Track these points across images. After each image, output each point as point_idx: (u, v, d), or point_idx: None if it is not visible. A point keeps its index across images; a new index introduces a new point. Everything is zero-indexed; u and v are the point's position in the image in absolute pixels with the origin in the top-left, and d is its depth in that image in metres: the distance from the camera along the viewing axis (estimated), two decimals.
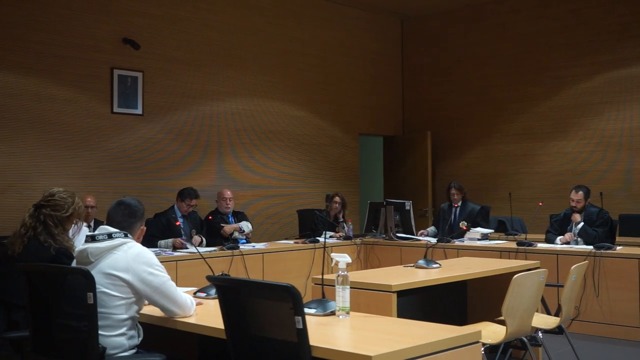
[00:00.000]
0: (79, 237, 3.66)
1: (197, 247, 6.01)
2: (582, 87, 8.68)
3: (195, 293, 3.48)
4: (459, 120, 9.85)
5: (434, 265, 4.60)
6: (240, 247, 6.48)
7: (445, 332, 2.64)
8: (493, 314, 4.20)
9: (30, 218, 3.45)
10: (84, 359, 2.70)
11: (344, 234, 7.56)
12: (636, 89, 8.24)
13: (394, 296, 3.80)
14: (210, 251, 6.16)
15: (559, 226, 6.76)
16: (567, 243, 6.52)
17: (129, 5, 7.44)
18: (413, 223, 7.43)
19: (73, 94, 7.02)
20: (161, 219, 6.42)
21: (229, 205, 6.99)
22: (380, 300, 3.81)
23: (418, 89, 10.34)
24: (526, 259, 5.91)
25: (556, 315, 4.47)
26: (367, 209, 7.94)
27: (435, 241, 6.82)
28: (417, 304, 4.38)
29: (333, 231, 7.65)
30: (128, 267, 2.80)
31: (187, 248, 6.13)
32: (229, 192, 7.05)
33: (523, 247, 6.33)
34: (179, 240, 6.20)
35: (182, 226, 6.33)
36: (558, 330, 4.31)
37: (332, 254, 3.12)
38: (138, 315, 2.90)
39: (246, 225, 7.02)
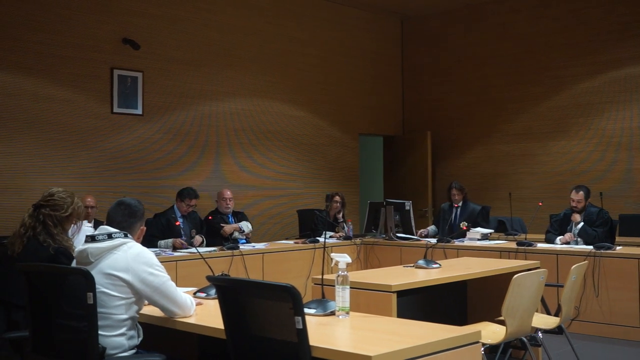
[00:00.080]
0: (79, 236, 3.66)
1: (197, 247, 6.01)
2: (582, 87, 8.68)
3: (195, 293, 3.48)
4: (459, 120, 9.85)
5: (434, 265, 4.60)
6: (240, 247, 6.48)
7: (445, 332, 2.63)
8: (493, 314, 4.20)
9: (30, 218, 3.46)
10: (83, 359, 2.70)
11: (344, 234, 7.57)
12: (636, 89, 8.24)
13: (394, 296, 3.79)
14: (210, 251, 6.16)
15: (558, 226, 6.76)
16: (567, 243, 6.51)
17: (128, 5, 7.44)
18: (413, 223, 7.43)
19: (73, 94, 7.02)
20: (161, 219, 6.42)
21: (229, 205, 6.99)
22: (380, 300, 3.81)
23: (418, 89, 10.34)
24: (526, 259, 5.91)
25: (556, 315, 4.47)
26: (367, 209, 7.94)
27: (435, 241, 6.82)
28: (417, 304, 4.38)
29: (333, 231, 7.66)
30: (128, 267, 2.80)
31: (187, 248, 6.12)
32: (229, 192, 7.05)
33: (523, 247, 6.33)
34: (178, 240, 6.19)
35: (182, 226, 6.33)
36: (558, 330, 4.31)
37: (332, 254, 3.12)
38: (138, 316, 2.90)
39: (246, 226, 7.01)
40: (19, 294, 3.08)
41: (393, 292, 3.80)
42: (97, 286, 2.70)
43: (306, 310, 2.67)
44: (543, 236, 6.88)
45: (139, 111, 7.48)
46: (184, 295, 2.98)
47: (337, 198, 7.75)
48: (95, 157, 7.16)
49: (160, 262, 2.93)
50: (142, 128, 7.52)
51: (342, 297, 2.92)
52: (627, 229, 7.35)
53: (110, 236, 2.86)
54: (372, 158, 10.91)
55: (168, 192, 7.33)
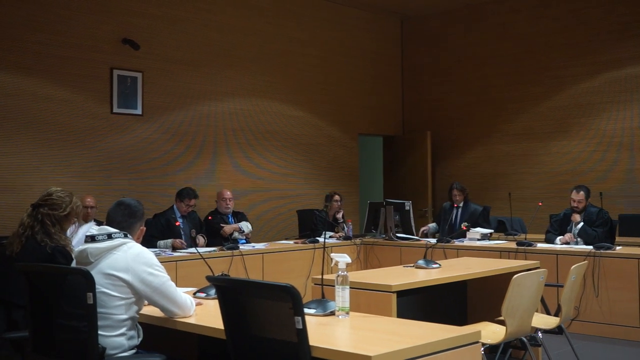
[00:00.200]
0: (78, 236, 3.66)
1: (197, 248, 6.01)
2: (582, 87, 8.68)
3: (195, 293, 3.48)
4: (459, 120, 9.85)
5: (434, 265, 4.60)
6: (240, 247, 6.48)
7: (445, 332, 2.63)
8: (493, 314, 4.19)
9: (29, 218, 3.46)
10: (83, 359, 2.70)
11: (344, 234, 7.57)
12: (636, 89, 8.24)
13: (394, 296, 3.79)
14: (210, 251, 6.16)
15: (558, 226, 6.76)
16: (567, 243, 6.51)
17: (128, 6, 7.44)
18: (413, 223, 7.43)
19: (72, 94, 7.02)
20: (160, 220, 6.42)
21: (229, 206, 6.99)
22: (380, 300, 3.81)
23: (418, 89, 10.34)
24: (526, 259, 5.91)
25: (556, 315, 4.47)
26: (367, 209, 7.94)
27: (435, 241, 6.82)
28: (417, 304, 4.38)
29: (332, 231, 7.66)
30: (128, 268, 2.80)
31: (186, 248, 6.12)
32: (228, 193, 7.05)
33: (523, 247, 6.33)
34: (178, 241, 6.19)
35: (181, 226, 6.32)
36: (558, 330, 4.31)
37: (332, 254, 3.12)
38: (138, 316, 2.90)
39: (246, 226, 7.01)
40: (19, 293, 3.08)
41: (393, 292, 3.80)
42: (97, 286, 2.70)
43: (306, 310, 2.67)
44: (543, 236, 6.88)
45: (139, 111, 7.48)
46: (184, 296, 2.98)
47: (337, 197, 7.75)
48: (95, 157, 7.16)
49: (160, 262, 2.93)
50: (141, 128, 7.52)
51: (342, 297, 2.91)
52: (627, 229, 7.35)
53: (110, 236, 2.86)
54: (372, 158, 10.91)
55: (168, 192, 7.33)
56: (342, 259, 3.01)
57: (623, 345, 5.66)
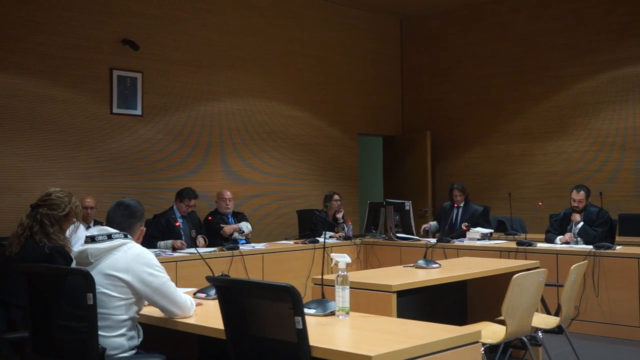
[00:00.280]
0: (76, 237, 3.65)
1: (197, 248, 6.01)
2: (581, 87, 8.68)
3: (195, 294, 3.48)
4: (459, 120, 9.85)
5: (434, 265, 4.59)
6: (240, 247, 6.48)
7: (445, 332, 2.63)
8: (493, 314, 4.19)
9: (28, 218, 3.45)
10: (83, 359, 2.69)
11: (344, 234, 7.57)
12: (636, 89, 8.23)
13: (394, 296, 3.79)
14: (210, 251, 6.16)
15: (558, 226, 6.76)
16: (567, 243, 6.51)
17: (128, 6, 7.45)
18: (413, 223, 7.43)
19: (72, 94, 7.02)
20: (160, 220, 6.42)
21: (229, 206, 6.99)
22: (380, 300, 3.81)
23: (418, 89, 10.34)
24: (526, 259, 5.90)
25: (556, 315, 4.47)
26: (367, 209, 7.94)
27: (435, 241, 6.82)
28: (417, 304, 4.38)
29: (332, 231, 7.66)
30: (128, 268, 2.80)
31: (186, 249, 6.12)
32: (228, 193, 7.05)
33: (523, 247, 6.33)
34: (178, 241, 6.19)
35: (181, 227, 6.32)
36: (558, 330, 4.31)
37: (332, 254, 3.12)
38: (138, 316, 2.90)
39: (246, 226, 7.01)
40: (18, 294, 3.08)
41: (393, 292, 3.80)
42: (97, 287, 2.70)
43: (306, 310, 2.66)
44: (543, 236, 6.88)
45: (139, 112, 7.48)
46: (184, 296, 2.98)
47: (337, 197, 7.76)
48: (95, 158, 7.16)
49: (160, 262, 2.93)
50: (141, 129, 7.52)
51: (342, 297, 2.91)
52: (627, 229, 7.35)
53: (110, 237, 2.86)
54: (372, 158, 10.91)
55: (167, 192, 7.33)
56: (342, 259, 3.01)
57: (623, 345, 5.66)
